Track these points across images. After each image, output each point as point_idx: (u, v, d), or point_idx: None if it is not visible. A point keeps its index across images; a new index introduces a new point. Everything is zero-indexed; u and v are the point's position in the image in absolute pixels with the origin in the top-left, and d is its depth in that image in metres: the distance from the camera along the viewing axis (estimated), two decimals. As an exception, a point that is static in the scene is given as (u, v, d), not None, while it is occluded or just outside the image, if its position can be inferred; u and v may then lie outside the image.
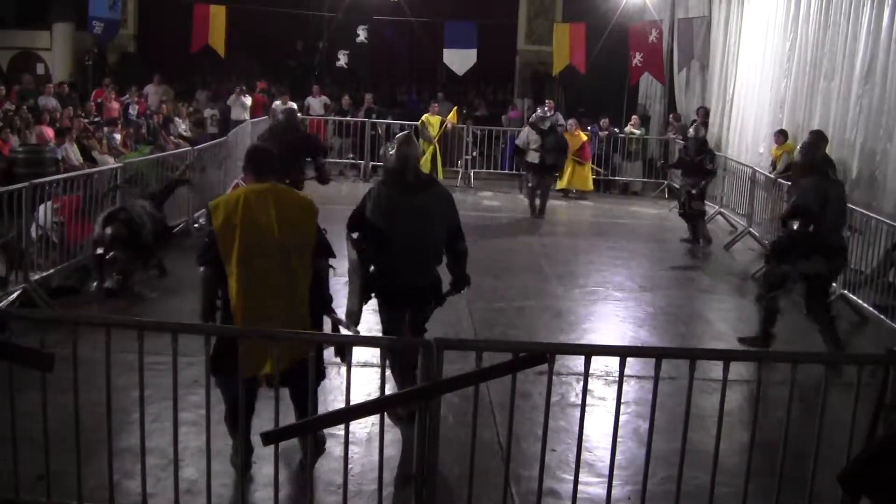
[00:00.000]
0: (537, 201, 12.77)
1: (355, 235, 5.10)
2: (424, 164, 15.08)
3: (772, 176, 11.04)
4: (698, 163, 11.13)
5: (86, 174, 8.51)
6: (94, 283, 7.77)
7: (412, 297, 5.14)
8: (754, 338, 6.97)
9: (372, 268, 5.14)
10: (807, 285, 6.69)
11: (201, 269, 4.29)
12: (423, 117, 15.55)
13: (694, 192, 11.07)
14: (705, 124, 15.64)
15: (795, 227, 6.72)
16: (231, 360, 3.80)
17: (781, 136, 11.84)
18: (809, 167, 6.80)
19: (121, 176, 8.76)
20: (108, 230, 7.71)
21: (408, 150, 5.18)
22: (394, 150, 5.17)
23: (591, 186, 15.00)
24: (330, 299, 4.55)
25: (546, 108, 15.98)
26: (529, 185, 12.93)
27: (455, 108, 16.17)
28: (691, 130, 11.91)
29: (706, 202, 12.23)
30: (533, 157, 12.58)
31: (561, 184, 14.59)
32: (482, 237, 11.11)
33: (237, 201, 4.17)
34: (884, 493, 3.00)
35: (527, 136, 12.74)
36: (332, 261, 4.56)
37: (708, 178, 11.32)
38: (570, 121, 15.12)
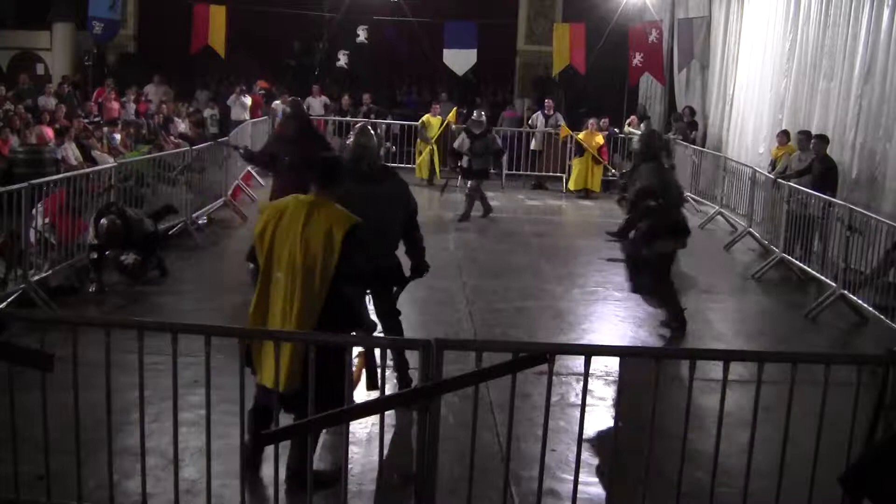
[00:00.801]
0: (477, 202, 12.33)
1: None
2: (422, 165, 15.05)
3: (771, 176, 11.04)
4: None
5: (85, 174, 8.52)
6: (93, 285, 7.78)
7: (372, 279, 5.16)
8: (669, 322, 7.45)
9: None
10: (657, 263, 7.20)
11: (250, 265, 4.37)
12: (424, 118, 15.54)
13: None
14: (693, 123, 15.68)
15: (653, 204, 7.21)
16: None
17: (784, 136, 11.84)
18: (646, 154, 7.52)
19: (115, 176, 8.78)
20: (103, 221, 7.73)
21: (364, 141, 5.45)
22: (351, 142, 5.44)
23: (598, 188, 15.21)
24: (363, 326, 4.36)
25: (546, 109, 16.12)
26: (468, 191, 12.36)
27: (455, 108, 16.15)
28: (643, 127, 11.77)
29: (700, 201, 12.25)
30: (464, 161, 12.35)
31: (578, 184, 14.81)
32: (482, 237, 11.14)
33: (280, 210, 4.21)
34: (886, 495, 3.00)
35: (462, 140, 12.49)
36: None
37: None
38: (591, 121, 15.32)
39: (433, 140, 15.06)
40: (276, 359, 3.79)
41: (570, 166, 15.39)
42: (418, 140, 15.64)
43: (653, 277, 7.22)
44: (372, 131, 5.77)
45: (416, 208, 5.56)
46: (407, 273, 5.58)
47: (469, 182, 12.29)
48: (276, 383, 3.87)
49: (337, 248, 4.06)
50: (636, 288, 7.46)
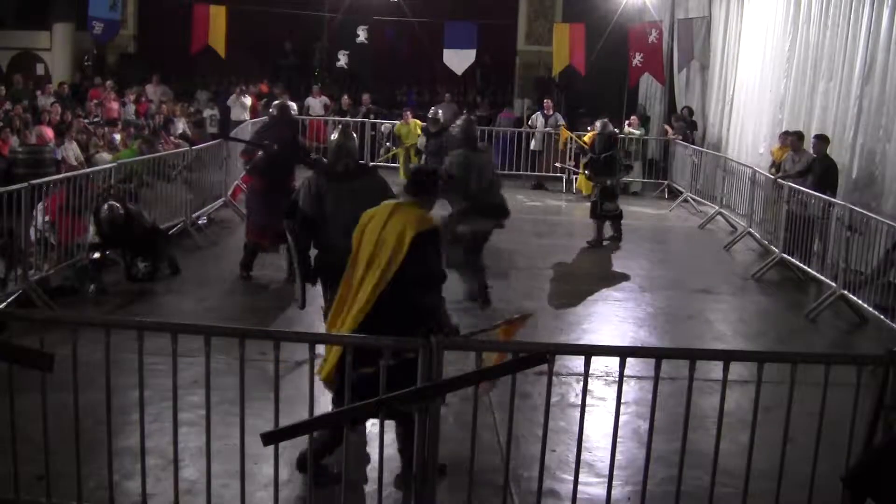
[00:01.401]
0: None
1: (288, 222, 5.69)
2: (403, 168, 14.45)
3: (772, 176, 11.03)
4: (605, 160, 10.87)
5: (85, 174, 8.52)
6: (93, 285, 7.78)
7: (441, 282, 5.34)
8: (474, 296, 7.86)
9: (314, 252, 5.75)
10: (471, 240, 7.75)
11: None
12: (395, 128, 15.03)
13: (606, 187, 10.76)
14: (692, 123, 15.67)
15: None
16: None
17: (786, 136, 11.84)
18: (463, 142, 8.11)
19: (114, 176, 8.80)
20: (105, 207, 7.78)
21: (343, 141, 5.91)
22: (333, 142, 5.95)
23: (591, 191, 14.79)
24: (446, 327, 4.44)
25: (546, 109, 16.12)
26: None
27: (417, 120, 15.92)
28: (598, 124, 11.63)
29: (700, 201, 12.23)
30: (422, 160, 12.39)
31: (588, 189, 14.59)
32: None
33: (371, 215, 4.41)
34: (888, 496, 3.00)
35: (421, 139, 12.64)
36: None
37: (618, 175, 11.10)
38: (598, 122, 14.86)
39: (407, 144, 14.63)
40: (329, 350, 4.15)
41: (568, 170, 15.37)
42: (391, 146, 15.49)
43: (466, 253, 7.73)
44: (353, 133, 6.24)
45: None
46: None
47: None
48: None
49: (405, 248, 4.15)
50: (448, 262, 7.64)
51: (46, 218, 7.64)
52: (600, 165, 11.01)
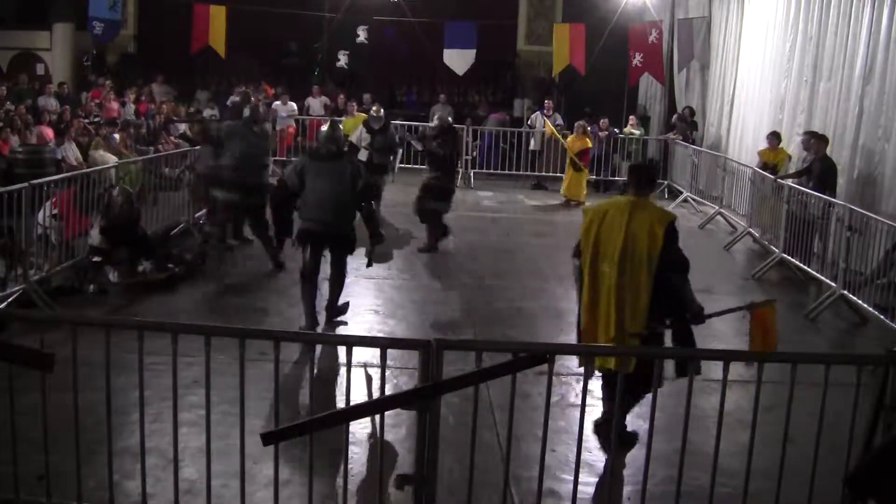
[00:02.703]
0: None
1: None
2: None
3: (771, 176, 11.04)
4: (433, 150, 10.16)
5: (85, 174, 8.53)
6: (93, 286, 7.78)
7: (325, 239, 6.97)
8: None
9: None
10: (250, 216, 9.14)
11: (575, 260, 5.06)
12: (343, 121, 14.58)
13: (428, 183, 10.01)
14: (693, 123, 15.67)
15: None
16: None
17: (775, 138, 11.89)
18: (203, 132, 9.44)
19: (115, 176, 8.82)
20: (115, 192, 8.04)
21: (330, 132, 7.19)
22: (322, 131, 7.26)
23: (582, 197, 14.29)
24: (690, 310, 4.80)
25: (545, 109, 16.12)
26: None
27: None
28: (436, 120, 11.05)
29: (700, 201, 12.13)
30: (362, 155, 12.13)
31: (565, 191, 14.53)
32: (482, 237, 11.13)
33: (602, 211, 4.87)
34: (888, 496, 3.00)
35: (360, 134, 12.50)
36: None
37: (441, 167, 10.06)
38: (578, 123, 14.79)
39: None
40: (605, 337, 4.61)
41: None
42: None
43: (251, 224, 9.21)
44: (339, 125, 8.04)
45: (366, 185, 7.05)
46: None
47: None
48: (603, 361, 4.69)
49: (659, 241, 4.65)
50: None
51: (55, 211, 7.66)
52: (432, 159, 10.28)
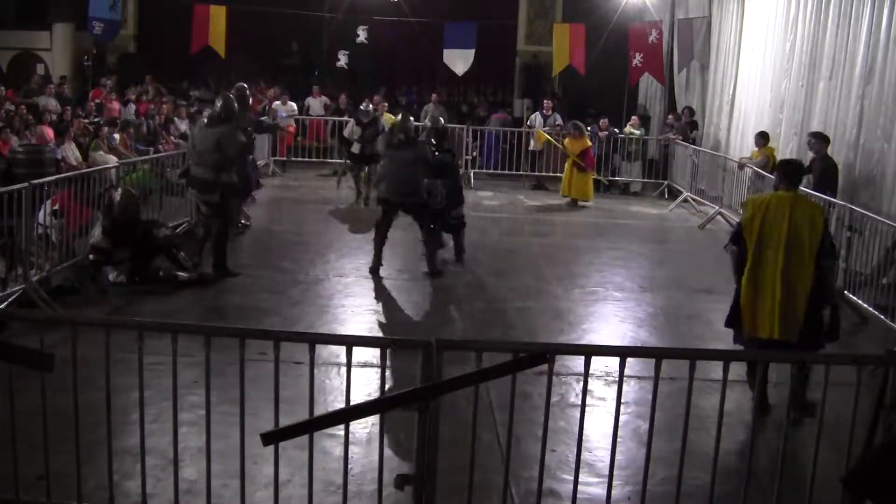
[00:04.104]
0: (364, 189, 13.11)
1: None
2: None
3: (771, 176, 11.02)
4: (439, 162, 9.41)
5: (85, 174, 8.53)
6: (93, 286, 7.78)
7: (397, 206, 8.90)
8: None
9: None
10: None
11: (733, 246, 5.62)
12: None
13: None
14: (692, 123, 15.66)
15: None
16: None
17: (762, 138, 11.95)
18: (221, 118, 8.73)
19: (116, 176, 8.83)
20: (119, 190, 8.08)
21: (403, 123, 9.25)
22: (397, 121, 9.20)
23: (590, 196, 14.33)
24: (833, 297, 5.68)
25: (544, 110, 16.12)
26: (353, 173, 13.36)
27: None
28: (427, 121, 10.75)
29: (700, 201, 12.10)
30: (355, 148, 13.04)
31: (564, 190, 14.48)
32: (482, 237, 11.13)
33: (765, 203, 5.48)
34: (888, 496, 3.00)
35: (352, 128, 13.23)
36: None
37: (450, 171, 9.62)
38: (570, 123, 14.71)
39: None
40: (772, 313, 5.29)
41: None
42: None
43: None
44: (410, 115, 9.98)
45: (430, 162, 9.03)
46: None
47: (356, 168, 13.28)
48: (770, 333, 5.30)
49: (820, 230, 5.36)
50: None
51: (55, 207, 7.67)
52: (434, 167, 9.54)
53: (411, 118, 9.62)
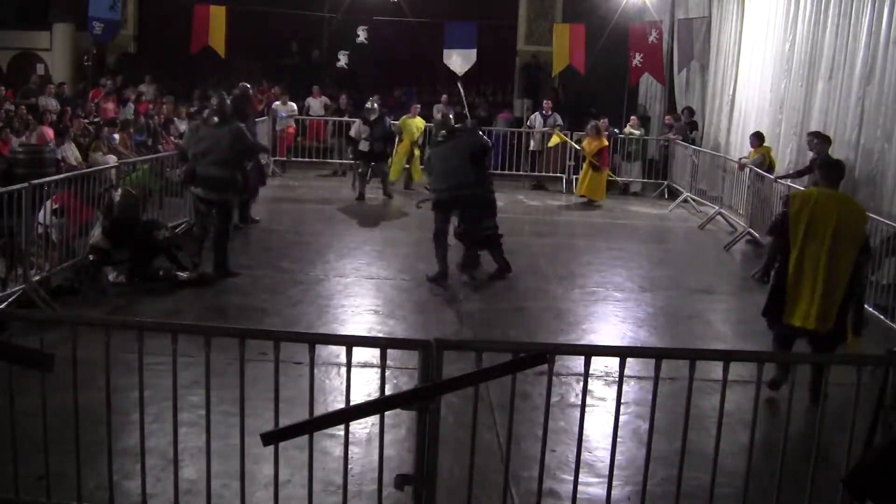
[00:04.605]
0: (371, 185, 13.42)
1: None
2: (396, 164, 14.43)
3: (771, 176, 11.03)
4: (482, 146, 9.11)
5: (85, 174, 8.53)
6: (93, 286, 7.78)
7: (450, 204, 8.68)
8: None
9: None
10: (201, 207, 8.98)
11: (771, 237, 6.09)
12: (401, 119, 14.82)
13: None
14: (692, 123, 15.66)
15: None
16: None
17: (757, 139, 11.99)
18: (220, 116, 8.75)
19: (116, 176, 8.84)
20: (119, 191, 8.06)
21: (441, 120, 9.67)
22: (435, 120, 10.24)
23: (603, 196, 14.35)
24: (861, 288, 6.00)
25: (544, 110, 16.11)
26: (360, 171, 13.56)
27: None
28: (438, 117, 10.96)
29: (700, 201, 12.09)
30: (363, 146, 13.29)
31: (580, 190, 14.47)
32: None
33: (812, 198, 5.78)
34: (888, 497, 3.00)
35: (358, 127, 13.49)
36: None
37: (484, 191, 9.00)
38: (591, 125, 14.61)
39: (415, 139, 14.57)
40: (811, 303, 5.59)
41: (570, 168, 15.38)
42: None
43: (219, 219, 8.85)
44: (449, 115, 10.79)
45: (481, 151, 8.82)
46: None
47: (365, 166, 13.53)
48: (804, 323, 5.60)
49: (864, 227, 5.83)
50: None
51: (56, 206, 7.67)
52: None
53: (450, 116, 10.37)
